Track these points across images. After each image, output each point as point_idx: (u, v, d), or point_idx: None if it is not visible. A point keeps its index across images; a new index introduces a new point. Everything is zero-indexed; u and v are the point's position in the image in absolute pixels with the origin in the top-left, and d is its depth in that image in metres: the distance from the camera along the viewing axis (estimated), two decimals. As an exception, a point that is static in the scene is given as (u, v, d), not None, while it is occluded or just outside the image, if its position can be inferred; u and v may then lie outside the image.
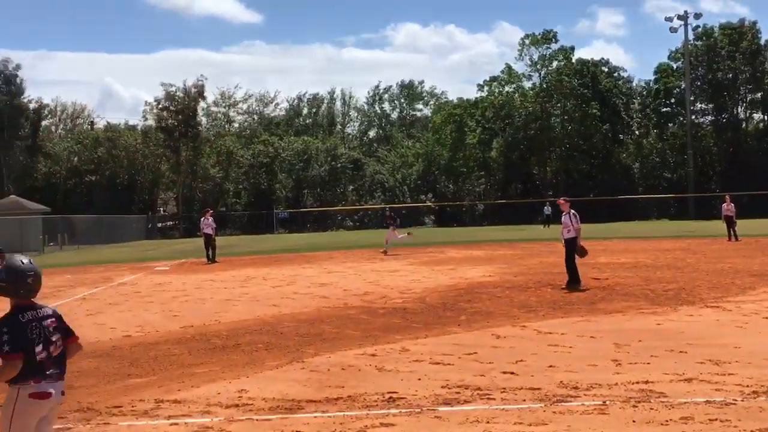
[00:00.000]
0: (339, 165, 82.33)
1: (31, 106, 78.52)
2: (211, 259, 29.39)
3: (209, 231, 29.79)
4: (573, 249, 17.07)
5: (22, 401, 4.75)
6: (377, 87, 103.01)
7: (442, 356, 9.77)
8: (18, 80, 76.09)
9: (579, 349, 10.04)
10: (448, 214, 78.94)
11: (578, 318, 12.78)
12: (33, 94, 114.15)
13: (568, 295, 15.84)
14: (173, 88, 76.98)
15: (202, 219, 30.73)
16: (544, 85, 78.49)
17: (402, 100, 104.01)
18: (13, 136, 74.63)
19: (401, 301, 15.91)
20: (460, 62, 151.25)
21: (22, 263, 4.89)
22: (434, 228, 70.90)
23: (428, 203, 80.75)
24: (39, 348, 4.77)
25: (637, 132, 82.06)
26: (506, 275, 20.19)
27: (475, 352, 10.00)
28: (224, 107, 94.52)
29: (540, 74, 79.41)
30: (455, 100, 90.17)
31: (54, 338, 4.91)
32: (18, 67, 76.29)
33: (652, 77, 79.63)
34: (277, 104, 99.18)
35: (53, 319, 4.97)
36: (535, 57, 78.93)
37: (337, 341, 11.39)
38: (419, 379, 8.57)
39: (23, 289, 4.84)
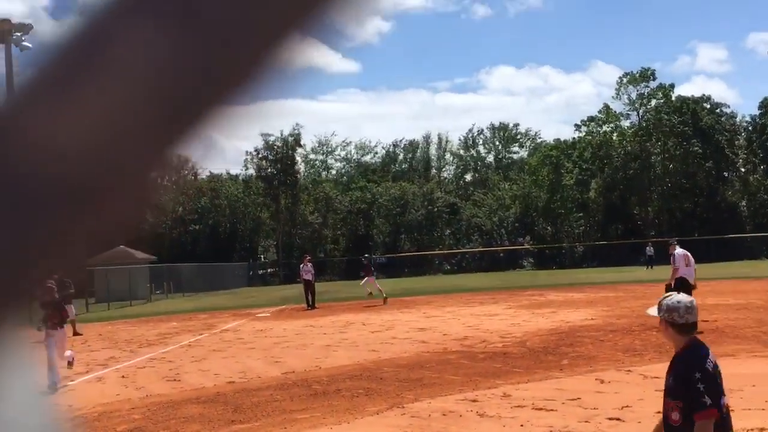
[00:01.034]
0: (435, 209, 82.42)
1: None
2: (311, 305, 29.67)
3: (308, 277, 30.10)
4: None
5: None
6: (471, 130, 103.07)
7: (544, 401, 9.58)
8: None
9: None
10: (547, 256, 77.84)
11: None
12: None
13: (675, 338, 15.35)
14: (272, 138, 79.01)
15: (301, 265, 31.09)
16: (643, 124, 77.15)
17: (497, 143, 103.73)
18: (121, 187, 77.58)
19: (501, 345, 15.72)
20: (556, 103, 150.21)
21: None
22: (533, 271, 69.96)
23: (526, 246, 79.85)
24: None
25: (742, 169, 79.48)
26: (609, 318, 19.72)
27: (579, 398, 9.77)
28: (322, 154, 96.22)
29: (638, 113, 78.17)
30: (551, 141, 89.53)
31: None
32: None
33: (757, 112, 77.26)
34: (376, 152, 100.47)
35: None
36: (633, 95, 77.84)
37: (438, 386, 11.31)
38: (522, 426, 8.42)
39: None
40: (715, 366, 4.25)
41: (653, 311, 4.41)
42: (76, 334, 24.16)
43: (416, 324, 21.16)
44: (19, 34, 48.05)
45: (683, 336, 4.35)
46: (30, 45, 49.42)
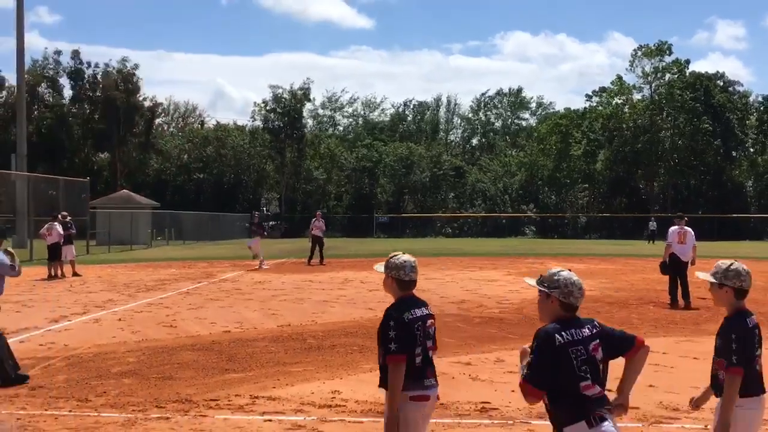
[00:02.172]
0: (441, 172, 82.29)
1: (146, 104, 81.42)
2: (320, 261, 29.38)
3: (318, 233, 29.93)
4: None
5: None
6: (483, 95, 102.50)
7: (537, 369, 9.61)
8: (135, 79, 79.04)
9: (681, 370, 9.71)
10: (550, 225, 77.88)
11: (681, 338, 12.38)
12: (149, 92, 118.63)
13: (672, 313, 15.38)
14: (280, 90, 78.66)
15: (313, 220, 30.78)
16: (655, 98, 76.65)
17: (506, 109, 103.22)
18: (128, 132, 77.56)
19: (498, 311, 15.76)
20: (569, 72, 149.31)
21: None
22: (535, 239, 70.01)
23: (529, 214, 79.84)
24: None
25: (751, 149, 79.15)
26: (607, 290, 19.74)
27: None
28: (330, 110, 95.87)
29: (651, 87, 77.65)
30: (562, 110, 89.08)
31: None
32: (136, 66, 79.29)
33: (771, 92, 76.71)
34: (383, 109, 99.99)
35: None
36: (648, 69, 77.22)
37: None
38: (513, 391, 8.44)
39: None
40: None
41: (530, 281, 4.54)
42: (75, 274, 24.26)
43: (414, 285, 21.20)
44: (31, -30, 47.57)
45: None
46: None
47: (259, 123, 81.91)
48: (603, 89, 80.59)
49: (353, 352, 11.04)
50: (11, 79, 73.25)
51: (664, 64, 76.73)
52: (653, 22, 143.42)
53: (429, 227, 79.13)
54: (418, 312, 4.92)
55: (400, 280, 5.04)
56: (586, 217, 79.04)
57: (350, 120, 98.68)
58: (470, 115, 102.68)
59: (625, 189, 78.90)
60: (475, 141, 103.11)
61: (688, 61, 76.70)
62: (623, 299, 17.61)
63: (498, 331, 13.18)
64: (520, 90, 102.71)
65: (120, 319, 14.38)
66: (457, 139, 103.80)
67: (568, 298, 4.18)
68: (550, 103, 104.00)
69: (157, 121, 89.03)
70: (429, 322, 4.97)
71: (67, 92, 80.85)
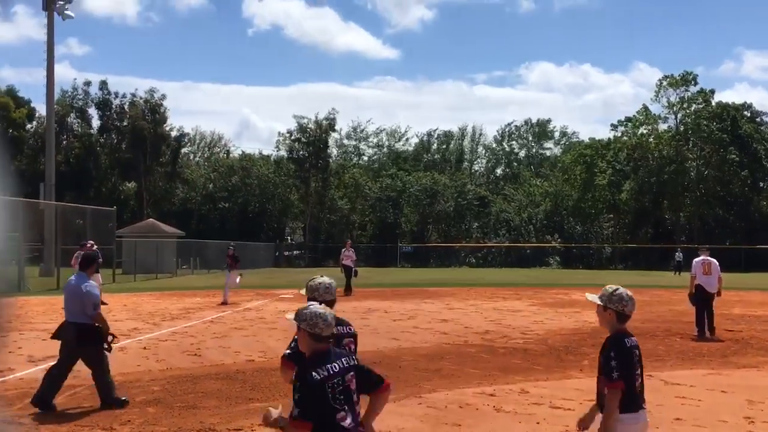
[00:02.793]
0: (465, 201, 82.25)
1: (173, 134, 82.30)
2: (347, 291, 28.63)
3: (348, 263, 29.46)
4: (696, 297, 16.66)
5: None
6: (509, 125, 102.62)
7: (562, 401, 9.53)
8: (162, 109, 79.97)
9: (708, 403, 9.59)
10: (575, 255, 77.45)
11: (709, 370, 12.23)
12: (175, 122, 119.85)
13: (699, 345, 15.21)
14: (305, 120, 79.24)
15: (343, 250, 30.37)
16: (681, 128, 76.33)
17: (531, 138, 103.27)
18: (154, 162, 78.34)
19: (522, 341, 15.66)
20: (594, 102, 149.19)
21: None
22: (560, 269, 69.62)
23: (554, 244, 79.47)
24: None
25: (779, 179, 78.43)
26: (633, 322, 19.44)
27: (598, 399, 9.70)
28: (355, 140, 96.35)
29: (676, 117, 77.33)
30: (586, 140, 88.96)
31: None
32: (163, 97, 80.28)
33: (799, 123, 76.18)
34: (407, 139, 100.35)
35: None
36: (673, 99, 76.99)
37: (456, 378, 11.29)
38: (538, 423, 8.38)
39: None
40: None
41: None
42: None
43: (438, 315, 21.13)
44: (62, 2, 48.44)
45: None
46: (72, 14, 49.83)
47: (284, 153, 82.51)
48: (628, 119, 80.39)
49: (377, 382, 11.00)
50: (41, 110, 74.40)
51: (689, 94, 76.48)
52: (679, 53, 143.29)
53: (453, 257, 78.97)
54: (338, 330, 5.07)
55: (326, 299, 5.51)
56: (611, 248, 78.54)
57: (375, 150, 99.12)
58: (494, 145, 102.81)
59: (651, 219, 78.39)
60: (499, 171, 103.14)
61: (713, 91, 76.41)
62: (650, 331, 17.44)
63: (522, 361, 13.08)
64: (545, 120, 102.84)
65: (145, 348, 14.43)
66: (482, 168, 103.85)
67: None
68: (574, 132, 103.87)
69: (184, 150, 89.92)
70: (346, 341, 5.32)
71: (96, 122, 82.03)
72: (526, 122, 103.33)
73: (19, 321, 19.25)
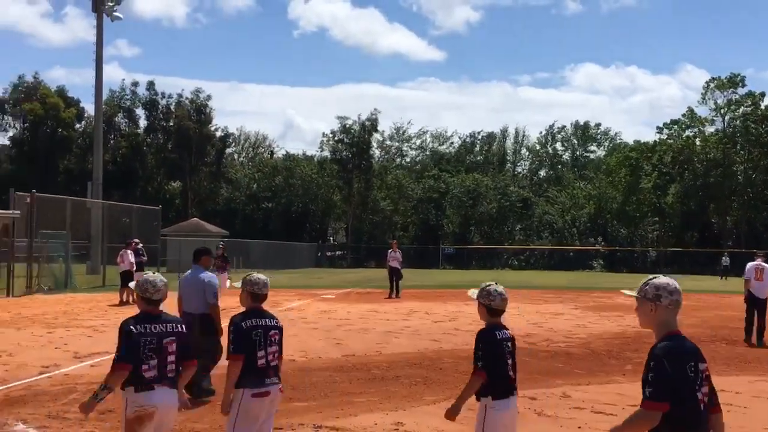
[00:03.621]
0: (508, 203, 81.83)
1: (218, 134, 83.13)
2: (396, 293, 28.27)
3: (395, 264, 29.12)
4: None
5: None
6: (551, 126, 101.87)
7: (604, 405, 9.44)
8: (207, 110, 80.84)
9: (755, 411, 9.43)
10: (619, 259, 76.58)
11: (755, 377, 12.03)
12: (220, 123, 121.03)
13: (745, 351, 14.96)
14: (349, 121, 79.46)
15: (389, 251, 30.06)
16: (728, 131, 75.10)
17: (575, 140, 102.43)
18: (199, 162, 79.18)
19: (564, 345, 15.54)
20: (640, 104, 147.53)
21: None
22: (603, 273, 68.92)
23: (598, 247, 78.70)
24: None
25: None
26: (678, 326, 19.28)
27: (640, 405, 9.59)
28: (398, 141, 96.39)
29: (724, 119, 76.08)
30: (631, 143, 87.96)
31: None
32: (208, 97, 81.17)
33: None
34: (451, 143, 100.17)
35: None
36: (720, 101, 75.75)
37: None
38: (579, 428, 8.31)
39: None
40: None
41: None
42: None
43: (479, 318, 21.04)
44: (111, 4, 49.19)
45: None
46: (121, 16, 50.57)
47: (327, 153, 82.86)
48: (674, 122, 79.26)
49: (417, 383, 11.00)
50: (90, 110, 75.64)
51: (737, 96, 75.16)
52: (728, 54, 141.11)
53: (495, 259, 78.59)
54: (260, 321, 5.95)
55: (253, 293, 6.18)
56: (656, 252, 77.54)
57: (417, 151, 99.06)
58: (538, 147, 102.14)
59: (697, 223, 77.26)
60: (542, 173, 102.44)
61: (763, 94, 74.91)
62: (695, 336, 17.18)
63: (564, 365, 12.98)
64: (589, 122, 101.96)
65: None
66: (525, 170, 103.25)
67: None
68: (616, 133, 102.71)
69: (228, 150, 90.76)
70: (272, 332, 5.94)
71: (143, 122, 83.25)
72: (570, 124, 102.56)
73: (65, 317, 19.58)
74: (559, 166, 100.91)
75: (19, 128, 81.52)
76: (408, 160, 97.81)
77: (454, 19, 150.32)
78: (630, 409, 9.34)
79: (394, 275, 28.84)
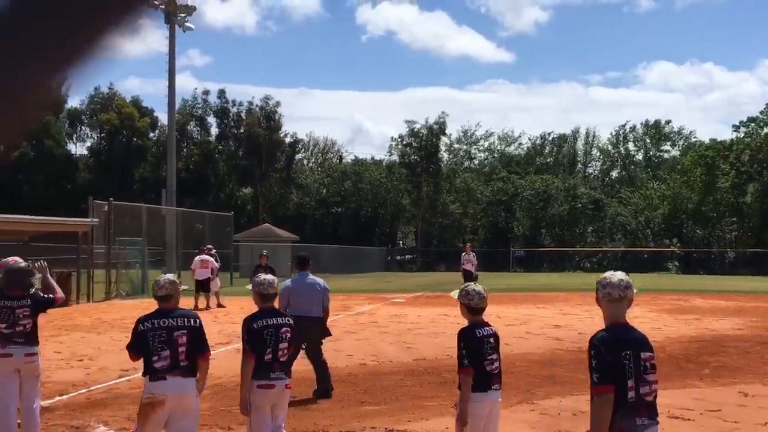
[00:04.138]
0: (579, 205, 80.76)
1: (287, 140, 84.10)
2: None
3: (469, 267, 28.80)
4: None
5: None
6: (623, 126, 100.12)
7: (681, 410, 9.24)
8: (277, 116, 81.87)
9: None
10: (695, 260, 74.86)
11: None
12: (290, 129, 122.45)
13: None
14: (416, 125, 79.48)
15: (462, 254, 29.79)
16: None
17: (648, 140, 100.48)
18: (270, 168, 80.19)
19: (639, 349, 15.25)
20: (716, 102, 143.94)
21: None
22: (679, 274, 67.46)
23: (673, 248, 77.05)
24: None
25: None
26: (758, 329, 18.77)
27: (719, 410, 9.36)
28: (466, 144, 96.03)
29: (805, 116, 73.83)
30: (707, 142, 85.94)
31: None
32: (278, 104, 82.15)
33: None
34: (520, 143, 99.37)
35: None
36: (800, 97, 73.49)
37: (570, 385, 11.10)
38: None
39: None
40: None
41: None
42: (219, 306, 25.13)
43: (552, 320, 20.84)
44: (183, 15, 50.20)
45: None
46: (192, 26, 51.56)
47: (395, 157, 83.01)
48: (752, 119, 77.20)
49: (489, 387, 10.94)
50: (163, 119, 77.32)
51: (818, 91, 72.94)
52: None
53: (567, 261, 77.62)
54: (272, 320, 6.52)
55: (261, 294, 6.70)
56: (734, 253, 75.56)
57: (486, 154, 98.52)
58: (609, 147, 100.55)
59: (778, 223, 75.06)
60: (614, 173, 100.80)
61: None
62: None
63: (639, 369, 12.75)
64: (663, 121, 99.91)
65: (261, 350, 14.78)
66: (596, 171, 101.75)
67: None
68: (691, 132, 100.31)
69: (298, 156, 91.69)
70: (283, 329, 6.50)
71: (214, 130, 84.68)
72: (641, 124, 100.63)
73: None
74: (632, 167, 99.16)
75: (96, 138, 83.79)
76: (476, 162, 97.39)
77: (522, 20, 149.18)
78: (708, 414, 9.13)
79: (469, 278, 28.66)
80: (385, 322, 20.29)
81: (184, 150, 80.00)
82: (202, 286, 24.72)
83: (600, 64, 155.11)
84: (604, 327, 4.75)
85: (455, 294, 6.22)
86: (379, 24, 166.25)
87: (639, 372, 4.50)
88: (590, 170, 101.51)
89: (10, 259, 8.10)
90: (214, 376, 11.61)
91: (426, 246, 79.47)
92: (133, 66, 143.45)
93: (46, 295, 7.96)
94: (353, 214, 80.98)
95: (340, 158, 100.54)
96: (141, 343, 6.09)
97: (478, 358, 5.87)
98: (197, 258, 25.50)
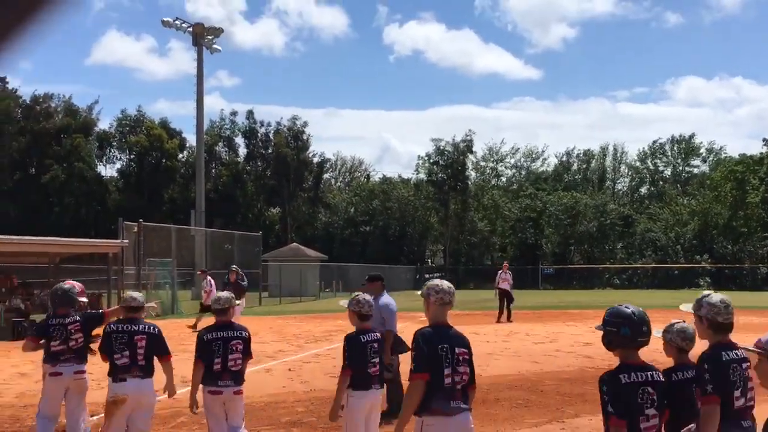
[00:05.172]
0: (608, 221, 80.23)
1: (315, 160, 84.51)
2: (507, 317, 27.30)
3: (505, 286, 28.42)
4: None
5: None
6: (655, 142, 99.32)
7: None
8: (304, 136, 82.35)
9: None
10: (726, 276, 73.98)
11: None
12: (317, 149, 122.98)
13: None
14: (442, 143, 79.54)
15: (499, 272, 29.44)
16: (841, 140, 71.93)
17: (676, 156, 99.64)
18: (297, 187, 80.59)
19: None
20: (746, 117, 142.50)
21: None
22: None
23: (704, 264, 76.25)
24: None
25: None
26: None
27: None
28: (492, 162, 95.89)
29: (836, 128, 72.95)
30: (736, 156, 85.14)
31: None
32: (305, 124, 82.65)
33: None
34: (545, 159, 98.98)
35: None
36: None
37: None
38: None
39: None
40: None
41: None
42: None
43: (582, 338, 20.67)
44: (210, 37, 50.79)
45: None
46: (220, 48, 52.17)
47: (423, 176, 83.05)
48: (782, 132, 76.46)
49: (518, 406, 10.88)
50: (192, 140, 78.07)
51: None
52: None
53: (596, 278, 77.04)
54: (221, 334, 7.32)
55: (214, 309, 7.59)
56: (766, 268, 74.60)
57: (513, 171, 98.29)
58: (638, 163, 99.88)
59: (811, 238, 74.06)
60: (643, 189, 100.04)
61: None
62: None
63: (671, 387, 12.62)
64: (692, 136, 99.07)
65: (290, 369, 14.81)
66: (625, 188, 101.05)
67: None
68: (721, 147, 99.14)
69: (325, 176, 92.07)
70: (233, 342, 7.27)
71: (242, 150, 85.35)
72: (670, 139, 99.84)
73: (172, 343, 20.14)
74: (661, 182, 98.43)
75: (125, 160, 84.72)
76: (504, 180, 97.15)
77: (549, 37, 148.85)
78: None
79: (505, 298, 27.88)
80: (414, 341, 20.23)
81: (213, 171, 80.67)
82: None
83: (628, 80, 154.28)
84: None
85: (344, 303, 7.24)
86: (405, 43, 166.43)
87: (454, 363, 5.31)
88: (619, 186, 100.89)
89: (66, 283, 8.55)
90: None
91: (454, 264, 79.27)
92: (163, 87, 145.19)
93: (96, 311, 8.48)
94: (381, 233, 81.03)
95: (368, 177, 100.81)
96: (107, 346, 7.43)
97: (358, 360, 6.70)
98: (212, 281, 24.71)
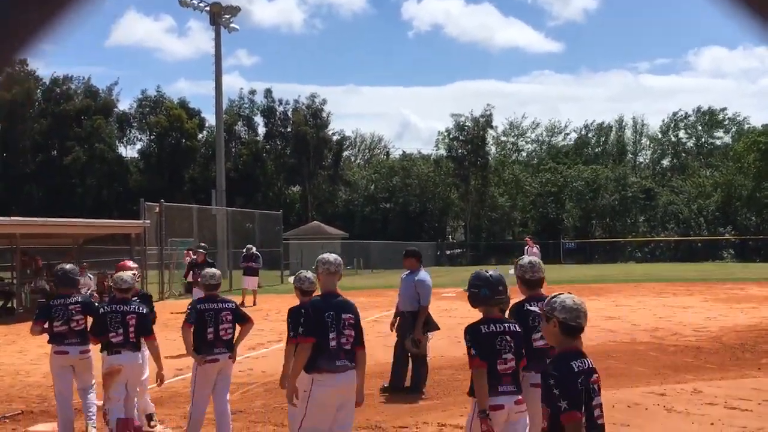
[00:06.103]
0: (630, 194, 79.71)
1: (335, 138, 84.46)
2: None
3: None
4: None
5: None
6: (675, 114, 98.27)
7: (739, 401, 9.08)
8: (324, 114, 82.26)
9: None
10: (750, 248, 73.42)
11: None
12: (337, 126, 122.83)
13: None
14: (462, 118, 79.19)
15: (526, 248, 29.39)
16: None
17: (699, 127, 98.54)
18: (317, 165, 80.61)
19: (695, 339, 15.03)
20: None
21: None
22: (734, 263, 66.24)
23: (727, 236, 75.66)
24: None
25: None
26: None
27: (778, 400, 9.18)
28: (513, 137, 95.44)
29: None
30: (760, 127, 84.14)
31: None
32: (324, 102, 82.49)
33: None
34: (566, 134, 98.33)
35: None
36: None
37: (623, 377, 10.99)
38: (712, 424, 8.03)
39: None
40: None
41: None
42: (253, 304, 25.48)
43: (604, 312, 20.62)
44: (228, 16, 50.69)
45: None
46: (237, 27, 52.04)
47: (443, 152, 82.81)
48: (806, 102, 75.48)
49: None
50: (211, 120, 78.18)
51: None
52: None
53: (618, 252, 76.70)
54: (212, 305, 7.88)
55: (206, 285, 8.16)
56: (791, 239, 73.97)
57: (534, 145, 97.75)
58: (660, 135, 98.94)
59: (836, 208, 73.27)
60: (665, 162, 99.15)
61: None
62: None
63: (694, 360, 12.57)
64: (715, 108, 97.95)
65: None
66: (646, 160, 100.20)
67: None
68: (744, 118, 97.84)
69: (345, 153, 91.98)
70: (223, 313, 7.88)
71: (261, 129, 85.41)
72: (694, 111, 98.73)
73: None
74: (683, 154, 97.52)
75: (145, 141, 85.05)
76: (524, 154, 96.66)
77: (570, 9, 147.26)
78: (767, 405, 8.96)
79: None
80: (436, 317, 20.15)
81: (233, 150, 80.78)
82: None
83: (649, 52, 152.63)
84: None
85: (292, 279, 7.72)
86: (424, 19, 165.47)
87: (339, 327, 5.99)
88: (641, 159, 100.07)
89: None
90: (267, 374, 11.72)
91: (475, 240, 79.16)
92: (182, 67, 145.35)
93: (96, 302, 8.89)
94: (402, 210, 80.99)
95: (387, 154, 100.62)
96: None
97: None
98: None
